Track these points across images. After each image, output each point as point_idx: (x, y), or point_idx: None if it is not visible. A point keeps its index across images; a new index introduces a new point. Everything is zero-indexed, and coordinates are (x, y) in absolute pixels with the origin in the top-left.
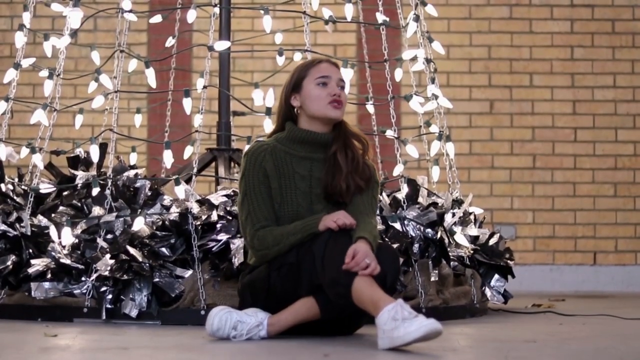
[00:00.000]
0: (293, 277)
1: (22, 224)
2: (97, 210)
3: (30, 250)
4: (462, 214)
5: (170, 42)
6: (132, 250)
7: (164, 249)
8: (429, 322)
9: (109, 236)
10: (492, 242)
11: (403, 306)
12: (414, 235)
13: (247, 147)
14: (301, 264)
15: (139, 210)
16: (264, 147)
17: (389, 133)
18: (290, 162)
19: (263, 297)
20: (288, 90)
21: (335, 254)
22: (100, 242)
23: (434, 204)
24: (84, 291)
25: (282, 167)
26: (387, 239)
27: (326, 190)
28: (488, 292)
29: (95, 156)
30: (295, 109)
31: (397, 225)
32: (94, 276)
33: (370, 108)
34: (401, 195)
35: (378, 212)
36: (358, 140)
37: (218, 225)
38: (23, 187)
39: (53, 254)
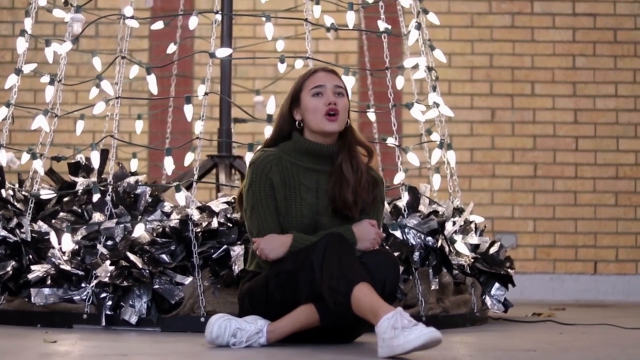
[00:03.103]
0: (291, 284)
1: (22, 230)
2: (97, 217)
3: (30, 256)
4: (462, 223)
5: (171, 48)
6: (132, 257)
7: (164, 256)
8: (429, 331)
9: (109, 242)
10: (492, 250)
11: (402, 314)
12: (414, 243)
13: (252, 156)
14: (298, 272)
15: (140, 216)
16: (270, 158)
17: (390, 141)
18: (296, 173)
19: (262, 304)
20: (289, 103)
21: (334, 262)
22: (101, 248)
23: (435, 212)
24: (84, 297)
25: (288, 178)
26: (387, 247)
27: (334, 203)
28: (488, 300)
29: (96, 162)
30: (297, 122)
31: (398, 234)
32: (93, 282)
33: (371, 116)
34: (402, 203)
35: None
36: (363, 147)
37: (218, 232)
38: (23, 192)
39: (53, 260)
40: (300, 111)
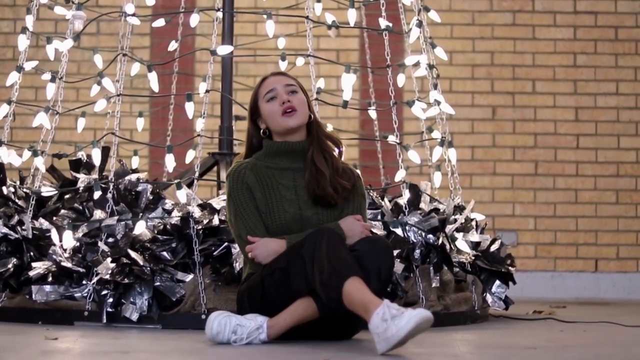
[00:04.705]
0: (285, 281)
1: (23, 227)
2: (98, 214)
3: (32, 253)
4: (463, 220)
5: (173, 46)
6: (133, 254)
7: (165, 253)
8: (417, 312)
9: (110, 240)
10: (493, 248)
11: (390, 306)
12: (415, 241)
13: (228, 169)
14: (291, 269)
15: (141, 214)
16: (244, 165)
17: (391, 138)
18: (272, 175)
19: (259, 301)
20: (250, 116)
21: (324, 256)
22: (102, 245)
23: (436, 210)
24: (85, 294)
25: (264, 179)
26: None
27: (315, 194)
28: (489, 298)
29: (97, 159)
30: (262, 131)
31: (399, 231)
32: (94, 279)
33: (372, 113)
34: (403, 200)
35: (380, 217)
36: (331, 141)
37: (219, 230)
38: (25, 190)
39: (54, 257)
40: (263, 119)
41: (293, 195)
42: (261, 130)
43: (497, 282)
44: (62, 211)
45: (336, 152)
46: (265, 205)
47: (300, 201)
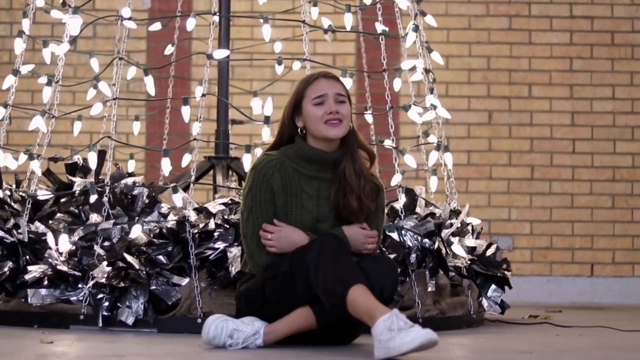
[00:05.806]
0: (287, 286)
1: (19, 231)
2: (94, 218)
3: (27, 257)
4: (459, 225)
5: (169, 49)
6: (129, 258)
7: (161, 257)
8: (425, 332)
9: (106, 243)
10: (489, 252)
11: (398, 316)
12: (411, 245)
13: (255, 160)
14: (295, 273)
15: (137, 217)
16: (273, 163)
17: (387, 143)
18: (298, 179)
19: (259, 306)
20: (290, 110)
21: (329, 263)
22: (97, 249)
23: (432, 214)
24: (81, 298)
25: (289, 184)
26: (384, 249)
27: (338, 210)
28: (485, 302)
29: (93, 163)
30: (299, 129)
31: (395, 235)
32: (90, 283)
33: (368, 118)
34: (399, 205)
35: None
36: (365, 151)
37: (215, 234)
38: (21, 193)
39: (50, 260)
40: (303, 118)
41: (314, 206)
42: (299, 129)
43: (493, 287)
44: (58, 215)
45: (368, 162)
46: (285, 215)
47: (320, 213)
